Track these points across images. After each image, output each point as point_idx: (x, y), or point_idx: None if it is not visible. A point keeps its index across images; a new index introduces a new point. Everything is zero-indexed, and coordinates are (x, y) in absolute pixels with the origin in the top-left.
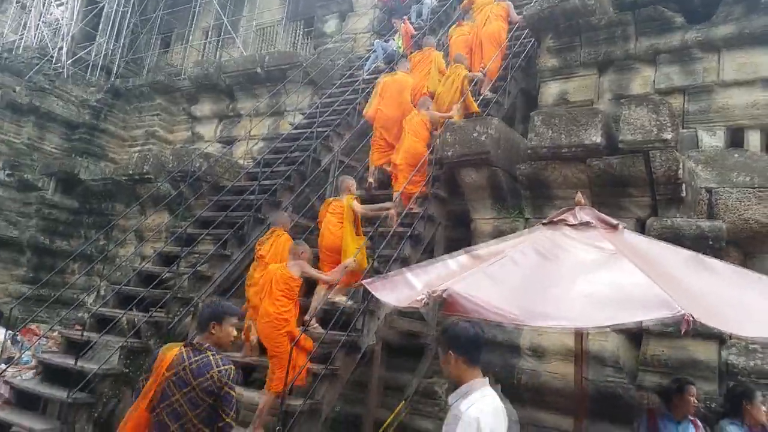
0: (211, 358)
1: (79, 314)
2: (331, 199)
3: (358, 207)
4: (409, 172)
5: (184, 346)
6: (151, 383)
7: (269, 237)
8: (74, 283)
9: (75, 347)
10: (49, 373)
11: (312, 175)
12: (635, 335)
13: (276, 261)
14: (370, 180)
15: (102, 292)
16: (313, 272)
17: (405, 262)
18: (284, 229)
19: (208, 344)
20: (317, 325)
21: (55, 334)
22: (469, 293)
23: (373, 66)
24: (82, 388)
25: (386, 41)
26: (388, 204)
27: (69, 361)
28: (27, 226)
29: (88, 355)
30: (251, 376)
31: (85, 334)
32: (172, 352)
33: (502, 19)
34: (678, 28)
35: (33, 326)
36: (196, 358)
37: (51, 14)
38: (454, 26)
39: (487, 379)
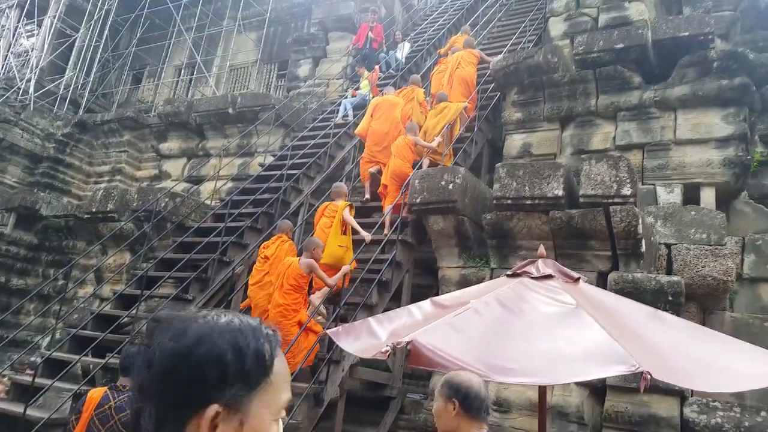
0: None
1: (32, 358)
2: (327, 203)
3: (349, 217)
4: (397, 191)
5: (109, 389)
6: (82, 421)
7: (275, 241)
8: (29, 324)
9: (26, 393)
10: None
11: (280, 217)
12: (599, 390)
13: (279, 264)
14: (367, 196)
15: (58, 335)
16: (320, 273)
17: (372, 310)
18: (287, 236)
19: (129, 386)
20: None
21: (5, 379)
22: (432, 345)
23: (343, 115)
24: None
25: (352, 96)
26: (368, 237)
27: (18, 409)
28: None
29: (39, 401)
30: None
31: (37, 379)
32: (98, 393)
33: (472, 65)
34: (636, 87)
35: None
36: (120, 397)
37: (20, 45)
38: (435, 66)
39: None
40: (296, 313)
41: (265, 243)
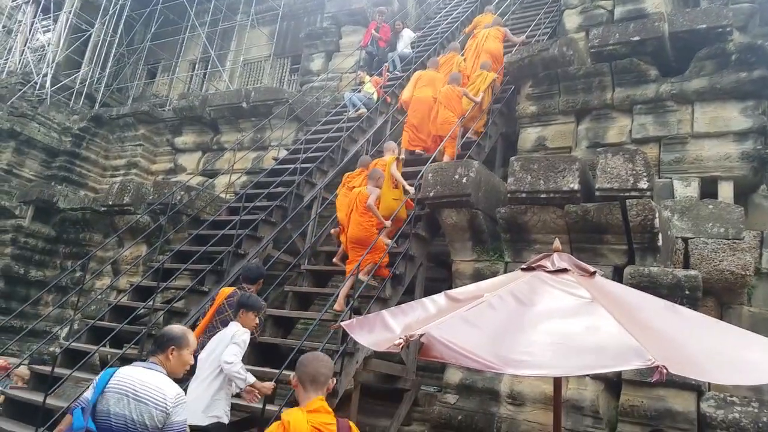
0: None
1: (51, 348)
2: (377, 159)
3: (395, 170)
4: (449, 140)
5: (237, 288)
6: (215, 305)
7: (359, 174)
8: (48, 315)
9: (44, 383)
10: (16, 409)
11: (294, 211)
12: (614, 384)
13: None
14: (402, 156)
15: (76, 326)
16: (376, 211)
17: (385, 303)
18: (367, 170)
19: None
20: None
21: (22, 369)
22: (445, 338)
23: (356, 109)
24: (49, 426)
25: (357, 91)
26: (411, 189)
27: (37, 398)
28: (1, 254)
29: (58, 391)
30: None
31: (56, 369)
32: (229, 290)
33: (498, 41)
34: (653, 80)
35: (1, 359)
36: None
37: (37, 40)
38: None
39: None
40: (372, 226)
41: (350, 174)
